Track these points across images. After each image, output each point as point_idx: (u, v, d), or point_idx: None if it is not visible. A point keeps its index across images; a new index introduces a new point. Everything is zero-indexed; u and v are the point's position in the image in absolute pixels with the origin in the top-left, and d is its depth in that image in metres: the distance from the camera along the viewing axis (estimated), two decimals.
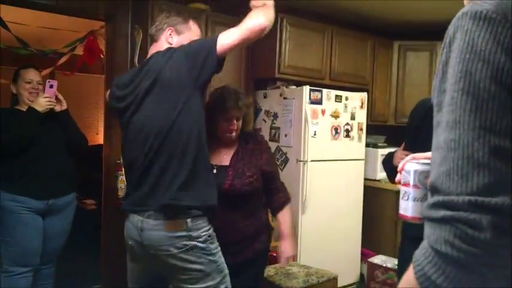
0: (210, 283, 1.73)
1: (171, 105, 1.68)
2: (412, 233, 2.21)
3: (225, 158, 2.15)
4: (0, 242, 2.53)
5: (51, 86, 2.62)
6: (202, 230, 1.73)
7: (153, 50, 1.87)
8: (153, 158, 1.71)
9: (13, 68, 4.32)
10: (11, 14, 3.57)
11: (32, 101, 2.61)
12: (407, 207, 0.96)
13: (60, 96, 2.70)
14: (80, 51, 4.72)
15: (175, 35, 1.85)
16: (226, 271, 1.81)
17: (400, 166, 1.00)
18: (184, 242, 1.69)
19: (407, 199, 0.96)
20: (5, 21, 3.56)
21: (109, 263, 3.37)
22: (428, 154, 1.07)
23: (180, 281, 1.74)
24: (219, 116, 2.11)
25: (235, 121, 2.12)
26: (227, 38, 1.67)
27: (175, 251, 1.68)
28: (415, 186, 0.95)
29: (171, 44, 1.83)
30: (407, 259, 2.31)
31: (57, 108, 2.67)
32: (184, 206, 1.70)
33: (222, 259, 1.81)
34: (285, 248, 2.21)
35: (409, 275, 0.72)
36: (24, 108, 2.60)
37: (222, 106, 2.09)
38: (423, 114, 2.28)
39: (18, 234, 2.50)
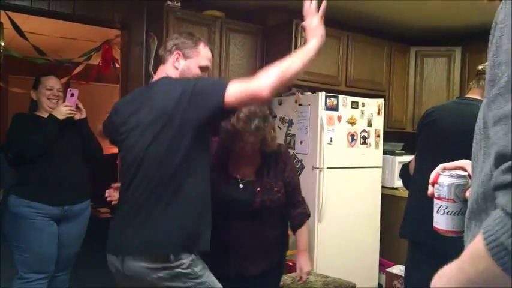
0: None
1: (169, 144, 1.60)
2: (413, 237, 2.17)
3: (249, 171, 2.09)
4: (15, 248, 2.53)
5: (72, 95, 2.66)
6: (185, 256, 1.63)
7: (160, 71, 1.81)
8: (141, 194, 1.63)
9: (28, 78, 4.37)
10: (28, 24, 3.61)
11: (51, 108, 2.64)
12: (443, 221, 0.94)
13: (80, 105, 2.74)
14: (95, 60, 4.77)
15: (182, 59, 1.77)
16: (218, 286, 1.73)
17: (432, 178, 0.98)
18: (167, 272, 1.60)
19: (443, 213, 0.94)
20: (23, 31, 3.60)
21: None
22: (459, 163, 1.02)
23: None
24: (235, 135, 2.02)
25: (250, 144, 2.02)
26: (237, 89, 1.55)
27: (159, 281, 1.61)
28: (451, 200, 0.93)
29: (177, 69, 1.76)
30: (412, 264, 2.24)
31: (77, 116, 2.70)
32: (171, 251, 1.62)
33: (211, 277, 1.71)
34: (304, 263, 2.19)
35: (477, 247, 0.65)
36: (43, 115, 2.63)
37: (238, 128, 2.00)
38: (419, 124, 2.28)
39: (33, 241, 2.50)
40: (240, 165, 2.10)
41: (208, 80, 1.77)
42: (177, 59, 1.77)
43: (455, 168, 1.02)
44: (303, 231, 2.19)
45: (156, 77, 1.81)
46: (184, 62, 1.77)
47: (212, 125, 1.69)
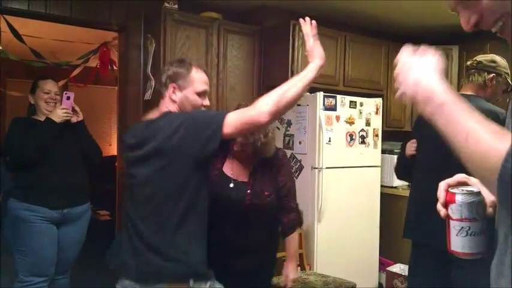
0: None
1: (173, 178, 1.62)
2: (416, 237, 2.18)
3: (243, 173, 2.10)
4: (15, 251, 2.53)
5: (68, 98, 2.69)
6: (203, 284, 1.66)
7: (161, 106, 1.80)
8: (145, 223, 1.66)
9: (25, 81, 4.36)
10: (25, 27, 3.60)
11: (49, 111, 2.65)
12: (466, 244, 0.87)
13: (77, 108, 2.75)
14: (93, 63, 4.76)
15: (178, 91, 1.76)
16: None
17: (442, 198, 0.91)
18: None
19: (466, 235, 0.87)
20: (20, 34, 3.59)
21: None
22: (459, 178, 0.95)
23: None
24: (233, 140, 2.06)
25: (247, 149, 2.06)
26: (235, 118, 1.56)
27: None
28: (473, 219, 0.86)
29: (175, 102, 1.75)
30: (414, 264, 2.24)
31: (74, 119, 2.72)
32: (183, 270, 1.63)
33: None
34: (290, 270, 2.18)
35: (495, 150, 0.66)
36: (41, 118, 2.64)
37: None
38: (416, 121, 2.29)
39: (33, 244, 2.51)
40: (234, 165, 2.11)
41: (206, 112, 1.76)
42: (173, 92, 1.75)
43: (459, 184, 0.95)
44: (293, 238, 2.20)
45: (158, 112, 1.79)
46: (181, 93, 1.75)
47: (210, 156, 1.67)
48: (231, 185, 2.07)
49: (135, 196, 1.72)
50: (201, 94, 1.79)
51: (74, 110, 2.72)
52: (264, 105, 1.52)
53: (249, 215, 2.05)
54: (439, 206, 0.92)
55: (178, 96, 1.75)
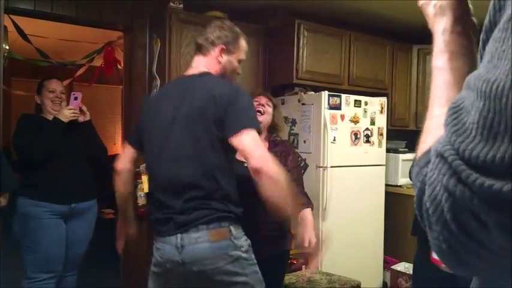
0: None
1: (205, 134, 1.66)
2: (422, 235, 2.19)
3: None
4: (24, 248, 2.58)
5: (75, 98, 2.73)
6: (243, 238, 1.69)
7: (199, 62, 1.81)
8: (186, 174, 1.67)
9: (30, 80, 4.38)
10: (31, 26, 3.62)
11: (55, 110, 2.70)
12: None
13: (84, 108, 2.79)
14: (97, 62, 4.78)
15: (225, 54, 1.78)
16: (263, 283, 1.75)
17: None
18: (230, 253, 1.63)
19: None
20: (25, 33, 3.61)
21: (128, 273, 3.36)
22: None
23: None
24: None
25: (263, 102, 2.21)
26: (250, 140, 1.61)
27: (222, 263, 1.61)
28: None
29: (220, 63, 1.78)
30: (419, 262, 2.24)
31: (81, 119, 2.75)
32: (226, 211, 1.66)
33: (258, 268, 1.75)
34: (311, 234, 2.08)
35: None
36: (48, 117, 2.69)
37: (251, 93, 2.19)
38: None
39: (41, 240, 2.55)
40: None
41: (247, 108, 1.72)
42: (220, 53, 1.78)
43: None
44: (307, 212, 2.19)
45: (195, 68, 1.80)
46: (227, 56, 1.79)
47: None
48: (245, 165, 2.10)
49: (166, 154, 1.77)
50: (240, 62, 1.86)
51: (81, 110, 2.76)
52: (268, 163, 1.58)
53: (260, 199, 2.07)
54: None
55: (224, 58, 1.78)
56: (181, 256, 1.63)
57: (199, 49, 1.81)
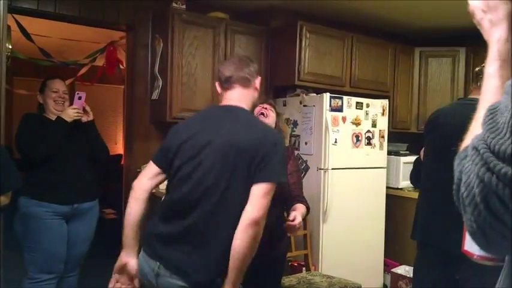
0: None
1: (237, 183, 1.62)
2: (422, 238, 2.19)
3: None
4: (26, 248, 2.57)
5: (79, 98, 2.73)
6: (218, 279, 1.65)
7: (239, 96, 1.77)
8: (206, 218, 1.63)
9: (32, 79, 4.38)
10: (34, 26, 3.63)
11: (58, 110, 2.70)
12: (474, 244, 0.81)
13: (88, 108, 2.79)
14: (99, 62, 4.78)
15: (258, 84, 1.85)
16: None
17: None
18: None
19: None
20: (29, 33, 3.62)
21: None
22: None
23: None
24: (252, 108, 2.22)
25: (266, 104, 2.26)
26: (263, 199, 1.60)
27: None
28: None
29: (257, 90, 1.83)
30: (420, 265, 2.23)
31: (84, 119, 2.76)
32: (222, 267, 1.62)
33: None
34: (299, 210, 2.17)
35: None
36: (51, 117, 2.68)
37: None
38: (425, 129, 2.30)
39: (43, 240, 2.54)
40: None
41: (281, 161, 1.70)
42: (259, 84, 1.85)
43: None
44: (301, 205, 2.24)
45: (232, 101, 1.77)
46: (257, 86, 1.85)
47: None
48: None
49: (194, 186, 1.71)
50: None
51: (84, 110, 2.76)
52: (260, 224, 1.58)
53: None
54: None
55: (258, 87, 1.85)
56: (156, 283, 1.65)
57: (241, 81, 1.78)
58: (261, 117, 2.25)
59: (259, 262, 2.05)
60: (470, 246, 0.85)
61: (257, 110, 2.25)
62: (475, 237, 0.65)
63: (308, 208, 2.29)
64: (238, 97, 1.77)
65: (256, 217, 1.56)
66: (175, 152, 1.71)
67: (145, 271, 1.70)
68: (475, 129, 0.73)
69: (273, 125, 2.30)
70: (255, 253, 1.83)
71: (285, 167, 1.76)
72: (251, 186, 1.60)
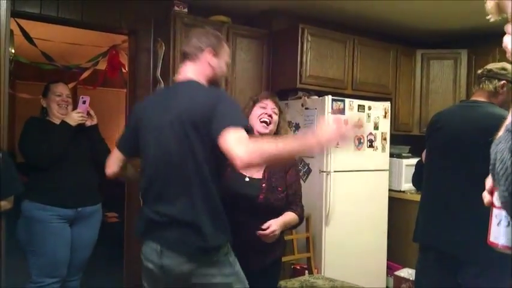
0: None
1: (191, 146, 1.63)
2: (423, 241, 2.19)
3: (257, 170, 2.14)
4: (29, 252, 2.57)
5: (83, 102, 2.75)
6: (223, 245, 1.70)
7: (188, 69, 1.80)
8: (176, 185, 1.66)
9: (35, 83, 4.39)
10: (36, 30, 3.64)
11: (61, 114, 2.71)
12: (505, 235, 0.82)
13: (92, 112, 2.80)
14: (102, 66, 4.80)
15: (215, 58, 1.80)
16: (246, 281, 1.78)
17: (488, 185, 0.90)
18: (205, 258, 1.65)
19: (508, 225, 0.82)
20: (31, 37, 3.63)
21: (132, 277, 3.36)
22: None
23: None
24: (253, 106, 2.20)
25: (270, 110, 2.19)
26: (234, 139, 1.54)
27: (196, 270, 1.65)
28: None
29: (212, 67, 1.79)
30: (421, 268, 2.24)
31: (88, 123, 2.77)
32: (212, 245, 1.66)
33: (240, 268, 1.77)
34: (275, 221, 2.05)
35: None
36: (54, 121, 2.70)
37: (257, 97, 2.22)
38: (427, 131, 2.30)
39: (47, 244, 2.54)
40: None
41: (231, 107, 1.68)
42: (211, 56, 1.79)
43: None
44: (290, 214, 2.16)
45: (182, 75, 1.81)
46: (216, 59, 1.80)
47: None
48: (247, 179, 2.11)
49: (154, 163, 1.76)
50: (227, 65, 1.88)
51: (88, 114, 2.77)
52: (250, 156, 1.49)
53: (263, 210, 2.07)
54: (485, 193, 0.91)
55: (214, 62, 1.80)
56: (161, 260, 1.68)
57: (187, 56, 1.81)
58: (263, 126, 2.19)
59: (255, 269, 2.07)
60: (495, 237, 0.84)
61: (260, 115, 2.20)
62: (506, 207, 0.76)
63: (301, 218, 2.23)
64: (187, 72, 1.80)
65: (239, 168, 1.54)
66: (136, 134, 1.81)
67: (148, 255, 1.74)
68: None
69: (275, 129, 2.25)
70: (253, 260, 1.89)
71: (240, 113, 1.69)
72: (211, 147, 1.60)
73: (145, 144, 1.77)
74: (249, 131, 1.61)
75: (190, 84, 1.76)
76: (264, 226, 2.00)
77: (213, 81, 1.82)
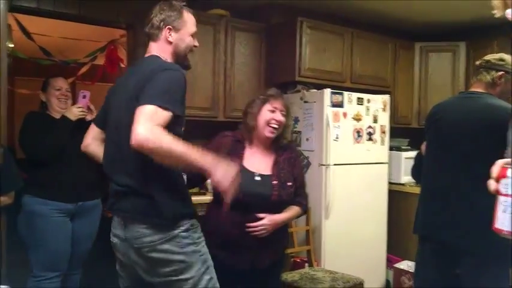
0: (193, 274, 1.67)
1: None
2: (423, 232, 2.20)
3: (264, 166, 2.13)
4: (30, 247, 2.58)
5: (84, 97, 2.74)
6: (185, 218, 1.69)
7: (152, 48, 1.81)
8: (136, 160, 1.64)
9: (33, 79, 4.38)
10: (34, 25, 3.63)
11: (61, 108, 2.71)
12: (505, 220, 0.84)
13: (92, 107, 2.79)
14: (100, 61, 4.79)
15: (174, 33, 1.79)
16: (211, 262, 1.75)
17: (495, 173, 0.90)
18: (163, 231, 1.65)
19: None
20: (29, 32, 3.63)
21: None
22: None
23: (163, 275, 1.67)
24: (262, 106, 2.13)
25: (279, 114, 2.12)
26: (147, 115, 1.49)
27: (157, 241, 1.64)
28: None
29: (171, 43, 1.79)
30: (420, 259, 2.25)
31: (88, 117, 2.75)
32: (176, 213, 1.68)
33: (206, 249, 1.75)
34: (271, 216, 2.04)
35: None
36: (54, 115, 2.69)
37: (266, 97, 2.15)
38: (426, 123, 2.30)
39: (48, 238, 2.54)
40: (255, 161, 2.12)
41: (162, 84, 1.61)
42: (169, 33, 1.78)
43: None
44: (294, 208, 2.17)
45: (147, 54, 1.83)
46: (176, 34, 1.79)
47: None
48: (257, 178, 2.08)
49: (113, 142, 1.79)
50: (193, 35, 1.84)
51: (89, 108, 2.77)
52: (149, 141, 1.45)
53: (275, 206, 2.07)
54: (490, 180, 0.91)
55: (174, 37, 1.79)
56: (124, 232, 1.72)
57: (149, 37, 1.83)
58: (271, 131, 2.12)
59: (270, 264, 2.08)
60: (501, 223, 0.86)
61: (270, 120, 2.12)
62: None
63: (304, 208, 2.25)
64: (152, 50, 1.81)
65: (131, 143, 1.47)
66: (106, 113, 1.85)
67: (114, 229, 1.81)
68: None
69: (281, 131, 2.18)
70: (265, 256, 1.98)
71: (172, 94, 1.59)
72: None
73: (108, 121, 1.81)
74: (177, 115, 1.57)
75: (149, 60, 1.77)
76: (259, 222, 2.00)
77: (179, 56, 1.82)
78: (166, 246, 1.65)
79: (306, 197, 2.28)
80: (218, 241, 2.01)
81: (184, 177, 2.39)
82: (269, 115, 2.12)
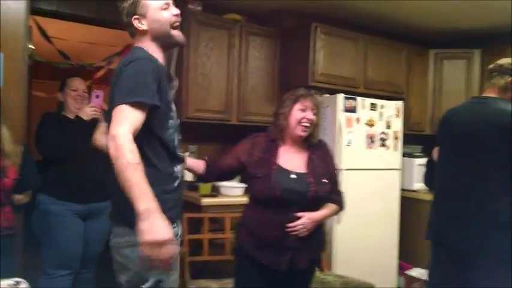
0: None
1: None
2: (436, 237, 2.18)
3: (299, 164, 2.11)
4: (43, 244, 2.61)
5: (97, 96, 2.74)
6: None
7: (136, 43, 1.72)
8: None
9: (50, 82, 4.44)
10: (51, 28, 3.70)
11: (77, 108, 2.72)
12: None
13: (105, 107, 2.79)
14: (115, 65, 4.84)
15: (143, 20, 1.65)
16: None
17: None
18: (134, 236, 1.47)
19: None
20: (48, 36, 3.69)
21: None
22: None
23: (122, 283, 1.66)
24: (293, 106, 2.10)
25: (310, 113, 2.10)
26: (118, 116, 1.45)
27: (122, 243, 1.64)
28: None
29: (146, 33, 1.66)
30: (433, 265, 2.23)
31: (102, 118, 2.77)
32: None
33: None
34: (310, 214, 2.03)
35: None
36: (70, 116, 2.72)
37: (296, 96, 2.12)
38: (438, 127, 2.30)
39: (60, 237, 2.57)
40: (289, 160, 2.10)
41: (127, 79, 1.52)
42: (138, 25, 1.66)
43: None
44: (331, 206, 2.14)
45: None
46: (145, 19, 1.66)
47: None
48: (293, 176, 2.05)
49: None
50: (167, 7, 1.69)
51: (102, 108, 2.79)
52: (111, 146, 1.42)
53: (313, 203, 2.05)
54: None
55: (145, 23, 1.66)
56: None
57: (130, 36, 1.73)
58: (303, 130, 2.09)
59: (308, 261, 2.07)
60: None
61: (301, 119, 2.09)
62: None
63: (342, 205, 2.22)
64: (134, 44, 1.71)
65: (111, 136, 1.43)
66: None
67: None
68: None
69: (312, 129, 2.14)
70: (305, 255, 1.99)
71: (140, 87, 1.49)
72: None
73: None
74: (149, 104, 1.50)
75: (130, 52, 1.67)
76: (298, 221, 1.99)
77: (161, 38, 1.68)
78: (127, 252, 1.58)
79: (341, 194, 2.24)
80: (257, 242, 2.01)
81: (189, 174, 2.38)
82: (300, 114, 2.09)
